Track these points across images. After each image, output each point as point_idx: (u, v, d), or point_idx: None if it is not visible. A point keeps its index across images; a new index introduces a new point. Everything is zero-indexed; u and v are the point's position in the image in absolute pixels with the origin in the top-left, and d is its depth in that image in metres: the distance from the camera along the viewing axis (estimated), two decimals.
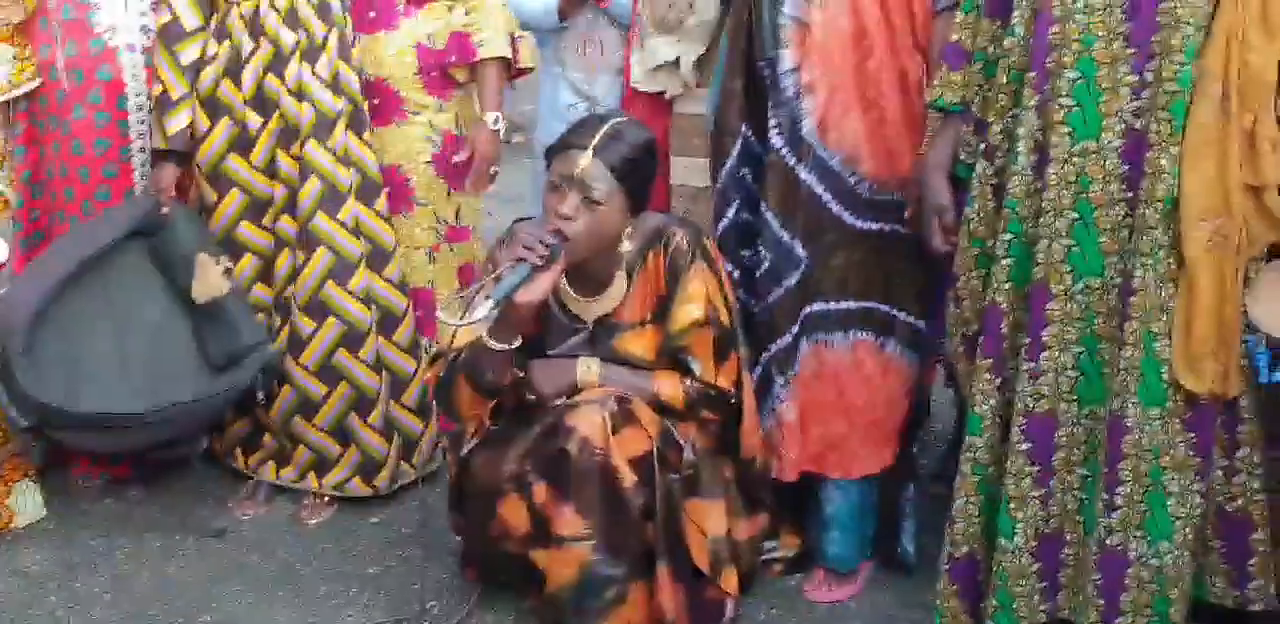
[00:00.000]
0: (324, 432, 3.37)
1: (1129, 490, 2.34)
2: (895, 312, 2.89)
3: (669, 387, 2.77)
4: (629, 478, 2.65)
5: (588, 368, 2.78)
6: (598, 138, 2.64)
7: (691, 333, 2.73)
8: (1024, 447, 2.43)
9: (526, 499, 2.73)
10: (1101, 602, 2.39)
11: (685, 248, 2.73)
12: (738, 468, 2.88)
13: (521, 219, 2.89)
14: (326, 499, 3.46)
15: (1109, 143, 2.30)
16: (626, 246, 2.76)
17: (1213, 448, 2.35)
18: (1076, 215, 2.36)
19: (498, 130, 3.38)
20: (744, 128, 2.90)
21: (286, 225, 3.29)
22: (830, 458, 2.94)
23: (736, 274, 2.97)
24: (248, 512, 3.46)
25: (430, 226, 3.49)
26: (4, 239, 3.24)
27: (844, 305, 2.87)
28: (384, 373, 3.36)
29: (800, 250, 2.84)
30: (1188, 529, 2.34)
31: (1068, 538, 2.45)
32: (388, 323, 3.37)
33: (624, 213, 2.71)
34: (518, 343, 2.65)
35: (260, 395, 3.30)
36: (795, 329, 2.88)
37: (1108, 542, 2.36)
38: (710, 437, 2.85)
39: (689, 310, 2.70)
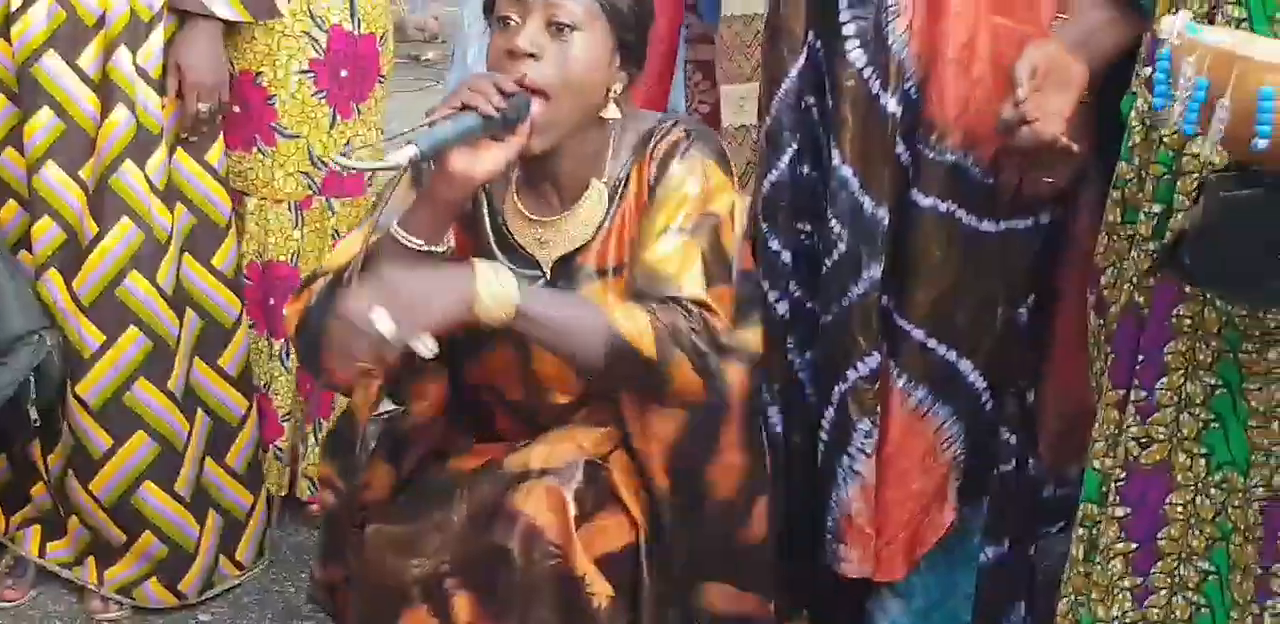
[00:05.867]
0: (104, 509, 2.81)
1: None
2: (937, 345, 2.46)
3: (627, 319, 2.15)
4: (601, 593, 2.19)
5: (496, 286, 2.05)
6: None
7: (667, 259, 2.19)
8: (1119, 513, 2.18)
9: (441, 617, 2.22)
10: None
11: (678, 140, 2.23)
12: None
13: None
14: None
15: None
16: (613, 150, 2.24)
17: None
18: None
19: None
20: (811, 34, 2.42)
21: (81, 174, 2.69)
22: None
23: (789, 258, 2.49)
24: (8, 597, 2.96)
25: (299, 170, 2.93)
26: None
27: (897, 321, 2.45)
28: (199, 415, 2.86)
29: (888, 224, 2.39)
30: None
31: None
32: (210, 338, 2.86)
33: (611, 53, 2.19)
34: (448, 247, 2.14)
35: (34, 414, 2.74)
36: (884, 346, 2.43)
37: None
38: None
39: (666, 239, 2.15)
